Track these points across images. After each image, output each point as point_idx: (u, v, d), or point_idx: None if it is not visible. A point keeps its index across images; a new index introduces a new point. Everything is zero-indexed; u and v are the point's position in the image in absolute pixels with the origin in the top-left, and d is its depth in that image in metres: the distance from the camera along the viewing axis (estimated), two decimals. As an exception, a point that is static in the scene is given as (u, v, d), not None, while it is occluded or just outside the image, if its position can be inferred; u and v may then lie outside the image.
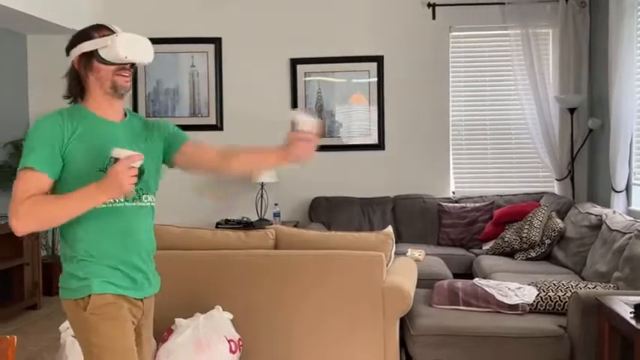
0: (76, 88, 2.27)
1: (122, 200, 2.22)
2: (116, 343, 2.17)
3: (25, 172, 2.11)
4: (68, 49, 2.28)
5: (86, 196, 2.08)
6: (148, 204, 2.33)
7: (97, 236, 2.20)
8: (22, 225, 2.07)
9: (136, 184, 2.08)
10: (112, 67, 2.21)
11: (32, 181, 2.10)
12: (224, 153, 2.48)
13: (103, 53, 2.19)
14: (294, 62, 6.82)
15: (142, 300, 2.31)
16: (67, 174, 2.16)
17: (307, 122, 2.27)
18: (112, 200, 2.17)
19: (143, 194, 2.30)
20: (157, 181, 2.39)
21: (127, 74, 2.24)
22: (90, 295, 2.17)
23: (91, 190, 2.07)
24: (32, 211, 2.06)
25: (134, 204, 2.26)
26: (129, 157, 2.04)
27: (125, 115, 2.36)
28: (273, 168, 2.23)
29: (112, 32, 2.21)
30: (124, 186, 2.03)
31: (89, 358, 2.19)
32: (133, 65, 2.26)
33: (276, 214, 6.50)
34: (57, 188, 2.18)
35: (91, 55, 2.20)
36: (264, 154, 2.48)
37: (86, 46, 2.21)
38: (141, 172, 2.09)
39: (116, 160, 2.05)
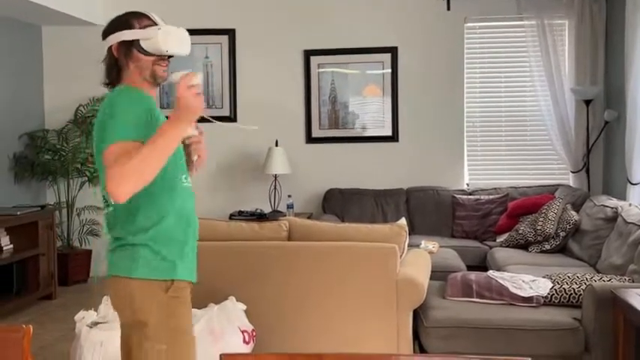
0: (117, 74, 2.27)
1: (188, 180, 2.30)
2: (189, 328, 2.25)
3: (116, 145, 2.06)
4: (106, 34, 2.28)
5: (167, 130, 2.06)
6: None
7: (177, 217, 2.23)
8: (122, 187, 2.00)
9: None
10: (152, 58, 2.23)
11: (124, 149, 2.05)
12: None
13: (144, 44, 2.21)
14: (308, 54, 6.81)
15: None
16: None
17: (189, 130, 2.28)
18: (184, 179, 2.27)
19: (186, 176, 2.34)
20: None
21: (165, 65, 2.27)
22: (173, 280, 2.19)
23: (170, 121, 2.08)
24: (126, 169, 2.00)
25: (190, 185, 2.33)
26: (184, 78, 2.07)
27: None
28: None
29: (153, 22, 2.24)
30: (193, 107, 2.06)
31: (156, 341, 2.15)
32: (171, 56, 2.28)
33: (290, 206, 6.50)
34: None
35: (131, 44, 2.22)
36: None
37: (127, 35, 2.22)
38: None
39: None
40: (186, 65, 6.77)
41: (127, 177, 2.00)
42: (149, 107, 2.21)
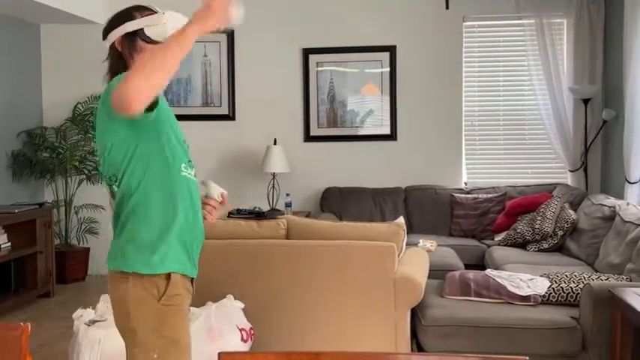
0: (122, 70, 2.12)
1: (192, 173, 2.23)
2: (182, 337, 2.15)
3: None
4: (107, 32, 2.23)
5: (189, 28, 1.96)
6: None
7: (178, 205, 2.15)
8: (134, 93, 1.86)
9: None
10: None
11: None
12: None
13: (149, 32, 2.17)
14: (307, 52, 6.80)
15: (193, 280, 2.25)
16: (162, 137, 2.13)
17: (216, 190, 2.37)
18: (189, 171, 2.20)
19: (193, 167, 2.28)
20: None
21: None
22: (169, 275, 2.10)
23: (195, 21, 1.97)
24: (141, 69, 1.88)
25: (195, 177, 2.27)
26: None
27: None
28: None
29: (153, 12, 2.21)
30: (224, 13, 1.98)
31: (148, 347, 2.10)
32: None
33: (288, 204, 6.50)
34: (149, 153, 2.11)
35: (135, 35, 2.18)
36: None
37: (131, 26, 2.18)
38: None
39: None
40: (184, 64, 6.80)
41: (140, 79, 1.86)
42: None
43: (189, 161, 2.24)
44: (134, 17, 2.20)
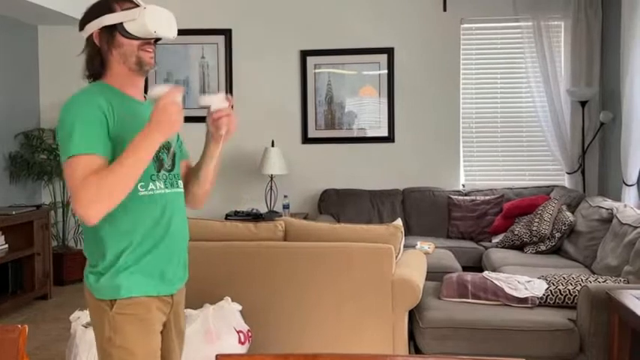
0: (99, 65, 2.08)
1: (163, 186, 2.09)
2: (137, 348, 2.04)
3: (74, 159, 1.89)
4: (84, 23, 2.10)
5: (141, 142, 1.89)
6: (181, 190, 2.21)
7: (135, 228, 2.03)
8: (92, 209, 1.86)
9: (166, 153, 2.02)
10: (137, 42, 2.05)
11: (87, 165, 1.88)
12: (187, 178, 2.32)
13: (129, 27, 2.02)
14: (304, 54, 6.81)
15: (171, 296, 2.16)
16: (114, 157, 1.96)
17: (216, 100, 2.18)
18: (152, 187, 2.05)
19: (177, 180, 2.19)
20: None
21: (151, 50, 2.08)
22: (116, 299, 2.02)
23: (144, 134, 1.90)
24: (95, 190, 1.84)
25: (174, 190, 2.14)
26: (172, 91, 1.95)
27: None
28: (215, 161, 2.13)
29: (135, 5, 2.05)
30: (174, 121, 1.91)
31: (104, 355, 2.05)
32: (156, 41, 2.11)
33: (286, 206, 6.50)
34: None
35: (114, 29, 2.03)
36: (203, 159, 2.28)
37: (109, 19, 2.03)
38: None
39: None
40: (182, 66, 6.82)
41: (97, 201, 1.86)
42: (105, 105, 1.99)
43: (159, 173, 2.10)
44: (113, 9, 2.04)
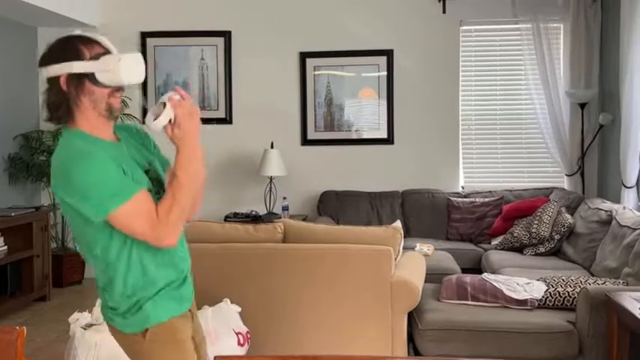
0: (65, 111, 2.00)
1: None
2: None
3: (131, 203, 1.91)
4: (46, 63, 2.00)
5: (187, 160, 2.00)
6: None
7: (158, 273, 2.07)
8: (177, 235, 1.99)
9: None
10: (107, 90, 1.98)
11: (145, 200, 1.95)
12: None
13: (100, 77, 1.95)
14: (304, 56, 6.81)
15: (189, 310, 2.19)
16: None
17: (169, 111, 2.01)
18: None
19: None
20: None
21: (119, 95, 2.03)
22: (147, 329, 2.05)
23: (186, 153, 2.00)
24: (178, 214, 1.95)
25: None
26: (173, 98, 1.98)
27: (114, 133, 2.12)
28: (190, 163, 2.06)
29: (104, 49, 1.97)
30: (194, 129, 2.02)
31: None
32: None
33: (285, 208, 6.50)
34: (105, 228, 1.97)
35: (84, 76, 1.95)
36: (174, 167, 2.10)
37: (81, 67, 1.95)
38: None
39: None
40: (181, 67, 6.82)
41: (177, 226, 1.98)
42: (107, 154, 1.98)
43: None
44: (82, 54, 1.95)
